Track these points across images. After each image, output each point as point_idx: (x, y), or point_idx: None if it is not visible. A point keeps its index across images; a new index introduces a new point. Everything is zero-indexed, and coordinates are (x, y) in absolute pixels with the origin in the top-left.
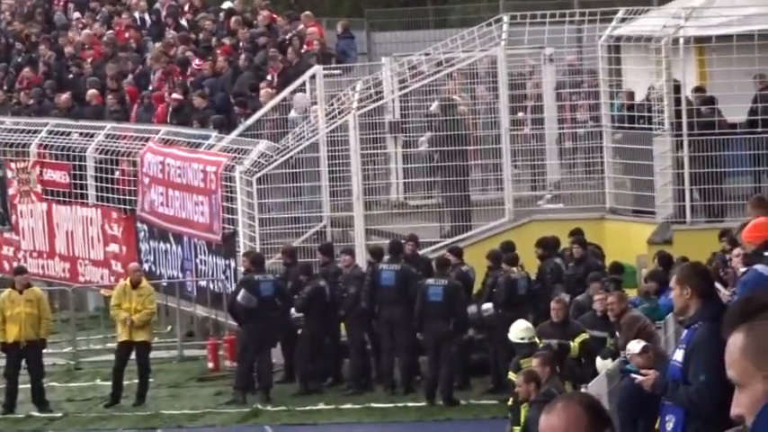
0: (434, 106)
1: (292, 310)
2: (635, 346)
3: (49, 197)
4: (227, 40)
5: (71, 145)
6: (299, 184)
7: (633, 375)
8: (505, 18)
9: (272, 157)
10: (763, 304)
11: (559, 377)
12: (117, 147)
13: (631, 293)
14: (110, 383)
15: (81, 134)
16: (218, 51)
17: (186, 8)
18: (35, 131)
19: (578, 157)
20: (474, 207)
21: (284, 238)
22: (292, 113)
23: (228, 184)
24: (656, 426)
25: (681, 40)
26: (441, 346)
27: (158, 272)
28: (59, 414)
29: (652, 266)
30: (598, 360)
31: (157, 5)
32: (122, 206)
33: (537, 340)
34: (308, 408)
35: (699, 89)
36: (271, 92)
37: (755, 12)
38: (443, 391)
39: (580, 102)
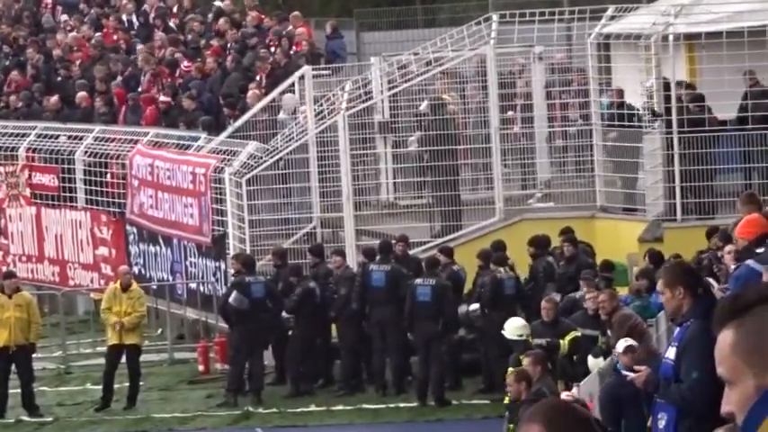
0: (424, 106)
1: (283, 311)
2: (620, 345)
3: (38, 201)
4: (215, 42)
5: (60, 148)
6: (288, 186)
7: (625, 373)
8: (494, 17)
9: (261, 158)
10: (752, 300)
11: (551, 376)
12: (106, 149)
13: (622, 291)
14: (100, 387)
15: (69, 137)
16: (207, 52)
17: (175, 10)
18: (24, 135)
19: (568, 156)
20: (464, 206)
21: (274, 240)
22: (281, 114)
23: (218, 185)
24: (649, 424)
25: (670, 38)
26: (431, 346)
27: (148, 275)
28: (50, 418)
29: (643, 264)
30: (590, 358)
31: (145, 7)
32: (111, 209)
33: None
34: (299, 409)
35: (689, 86)
36: (259, 93)
37: (745, 8)
38: (435, 391)
39: (570, 100)
